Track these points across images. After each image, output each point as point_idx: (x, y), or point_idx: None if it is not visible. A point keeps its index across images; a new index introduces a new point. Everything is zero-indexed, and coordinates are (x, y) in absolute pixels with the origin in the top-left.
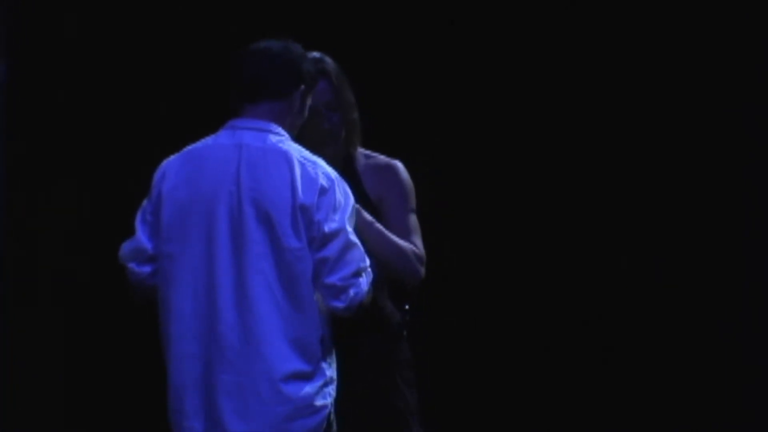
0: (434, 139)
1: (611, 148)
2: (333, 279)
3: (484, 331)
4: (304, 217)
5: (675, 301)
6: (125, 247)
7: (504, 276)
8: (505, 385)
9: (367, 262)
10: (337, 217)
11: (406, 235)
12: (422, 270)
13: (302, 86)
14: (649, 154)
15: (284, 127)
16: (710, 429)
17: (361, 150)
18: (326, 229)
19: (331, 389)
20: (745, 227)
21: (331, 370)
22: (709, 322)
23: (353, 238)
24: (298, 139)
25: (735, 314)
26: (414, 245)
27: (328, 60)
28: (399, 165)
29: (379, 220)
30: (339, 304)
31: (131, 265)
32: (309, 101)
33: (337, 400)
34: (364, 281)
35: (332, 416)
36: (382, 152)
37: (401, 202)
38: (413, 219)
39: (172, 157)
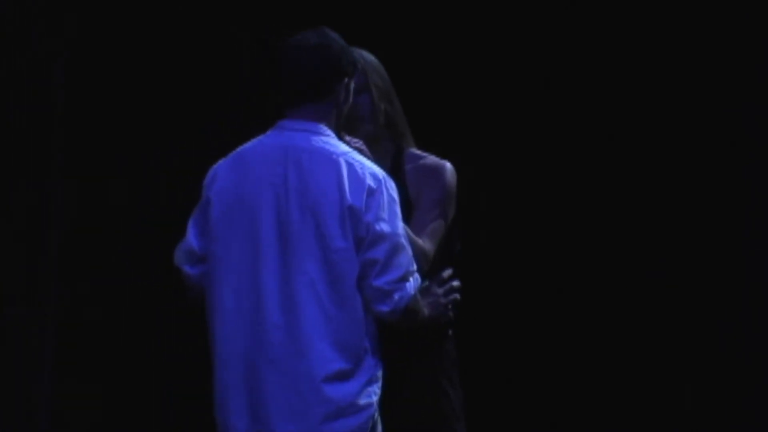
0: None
1: (612, 148)
2: (380, 282)
3: (528, 330)
4: (352, 218)
5: (675, 301)
6: (178, 250)
7: (522, 278)
8: (551, 385)
9: (415, 266)
10: (387, 218)
11: (421, 232)
12: (423, 267)
13: (345, 79)
14: (650, 155)
15: (330, 124)
16: (710, 429)
17: (414, 150)
18: (376, 230)
19: (376, 388)
20: (745, 227)
21: (376, 369)
22: (709, 322)
23: (403, 241)
24: None
25: (735, 314)
26: (424, 244)
27: (362, 51)
28: (447, 166)
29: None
30: (384, 308)
31: (185, 268)
32: (353, 86)
33: (382, 400)
34: (411, 285)
35: (377, 415)
36: None
37: (432, 201)
38: (437, 222)
39: (222, 160)
